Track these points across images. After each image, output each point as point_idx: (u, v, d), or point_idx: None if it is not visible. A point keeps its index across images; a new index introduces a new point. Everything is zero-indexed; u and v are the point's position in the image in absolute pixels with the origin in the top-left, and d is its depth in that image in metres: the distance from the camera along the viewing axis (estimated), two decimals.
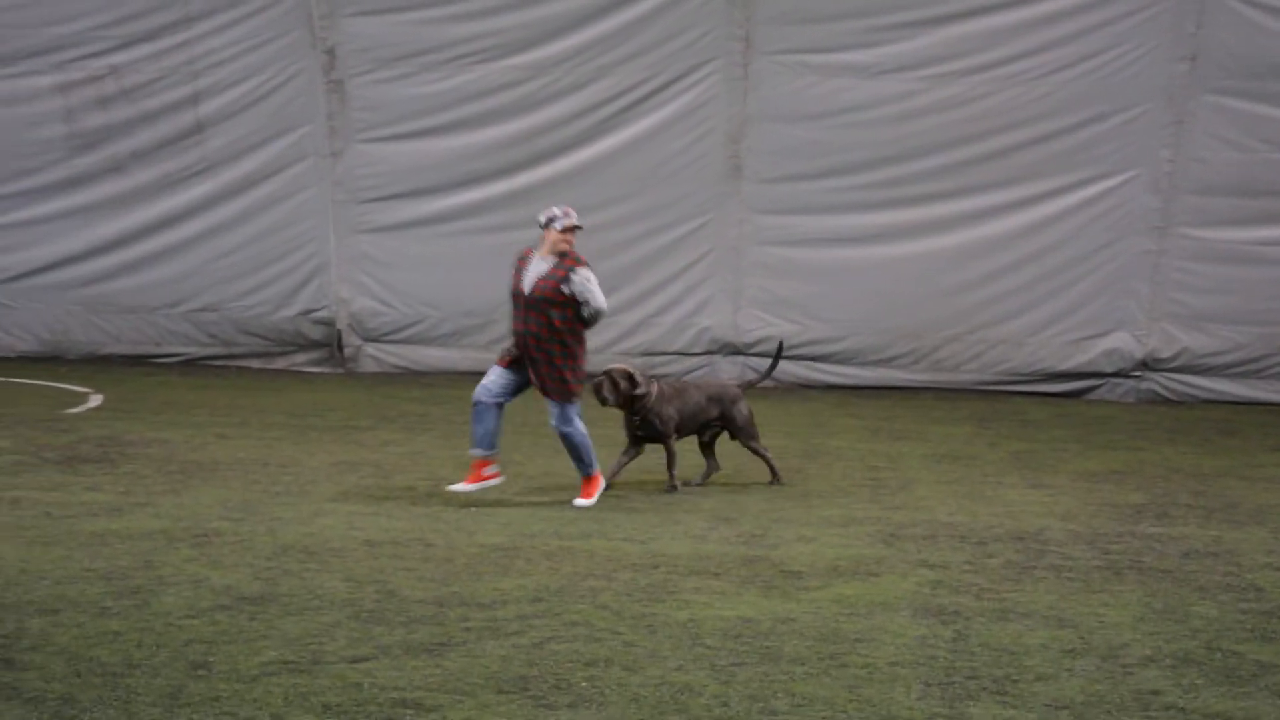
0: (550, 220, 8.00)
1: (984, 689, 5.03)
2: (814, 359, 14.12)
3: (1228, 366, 13.67)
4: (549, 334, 7.92)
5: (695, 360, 14.26)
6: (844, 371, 14.09)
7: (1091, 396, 13.76)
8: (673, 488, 8.59)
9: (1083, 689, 5.05)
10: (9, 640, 5.30)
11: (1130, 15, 13.09)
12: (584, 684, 4.96)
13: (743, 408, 8.89)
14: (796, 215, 13.86)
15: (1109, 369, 13.77)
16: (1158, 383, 13.71)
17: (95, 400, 12.06)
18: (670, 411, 8.59)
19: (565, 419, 8.03)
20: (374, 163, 14.27)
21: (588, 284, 7.90)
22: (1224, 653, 5.50)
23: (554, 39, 13.81)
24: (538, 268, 7.96)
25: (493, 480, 8.24)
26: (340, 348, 14.69)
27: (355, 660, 5.16)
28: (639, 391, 8.45)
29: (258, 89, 14.28)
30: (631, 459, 8.73)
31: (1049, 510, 8.26)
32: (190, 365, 14.67)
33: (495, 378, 8.13)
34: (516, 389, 8.13)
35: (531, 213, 14.14)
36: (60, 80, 14.46)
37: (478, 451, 8.19)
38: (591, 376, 8.41)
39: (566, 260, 7.95)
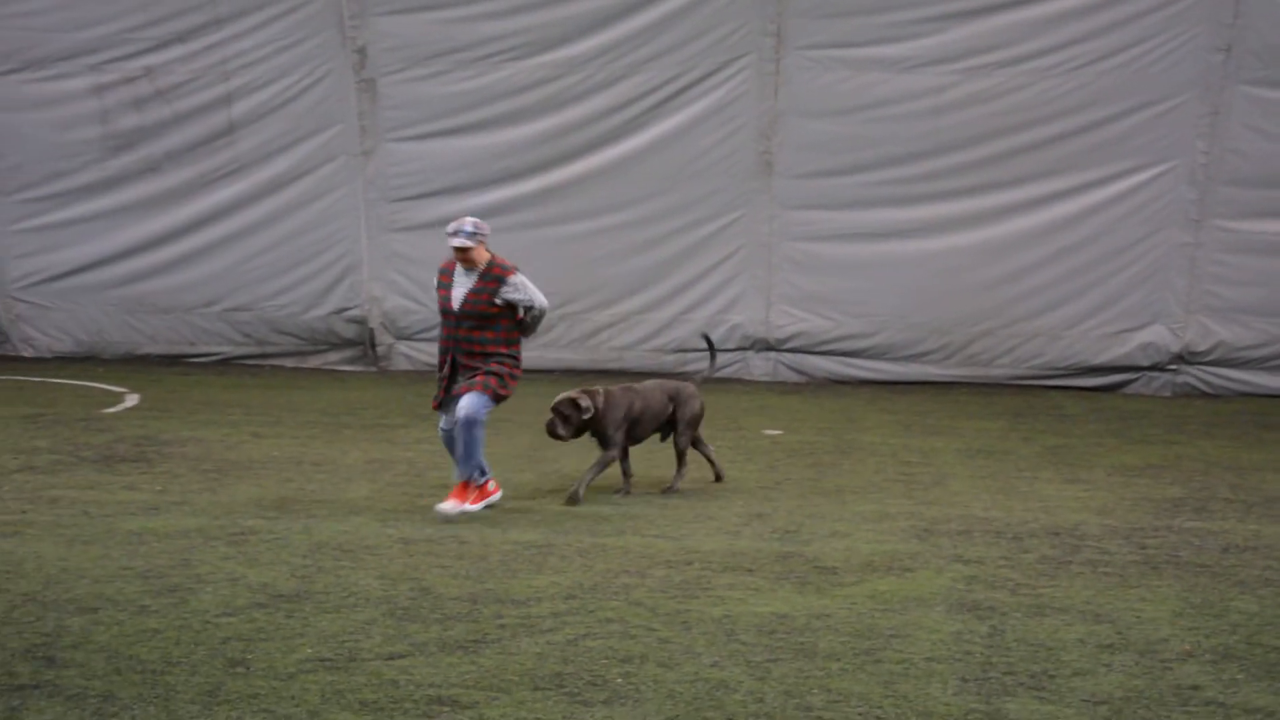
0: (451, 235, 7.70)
1: (1021, 684, 5.00)
2: (846, 354, 14.08)
3: (1265, 359, 13.54)
4: (481, 347, 7.67)
5: (727, 356, 14.24)
6: (876, 367, 14.04)
7: (1127, 390, 13.66)
8: (573, 497, 8.00)
9: (1121, 684, 5.01)
10: (50, 638, 5.35)
11: (1165, 6, 12.98)
12: (619, 680, 4.97)
13: (695, 404, 8.56)
14: (828, 210, 13.82)
15: (1145, 362, 13.67)
16: (1194, 376, 13.60)
17: (132, 400, 12.14)
18: (617, 416, 8.20)
19: (479, 408, 7.58)
20: (405, 161, 14.31)
21: (526, 287, 7.72)
22: (1264, 648, 5.45)
23: (585, 36, 13.81)
24: (463, 282, 7.73)
25: (495, 495, 7.94)
26: (373, 346, 14.75)
27: (391, 657, 5.18)
28: (586, 417, 8.12)
29: (289, 89, 14.35)
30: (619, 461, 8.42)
31: (1085, 505, 8.20)
32: (225, 364, 14.77)
33: (447, 414, 7.80)
34: None
35: (563, 210, 14.38)
36: (95, 82, 14.58)
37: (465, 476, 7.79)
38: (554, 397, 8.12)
39: (494, 270, 7.74)
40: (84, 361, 14.90)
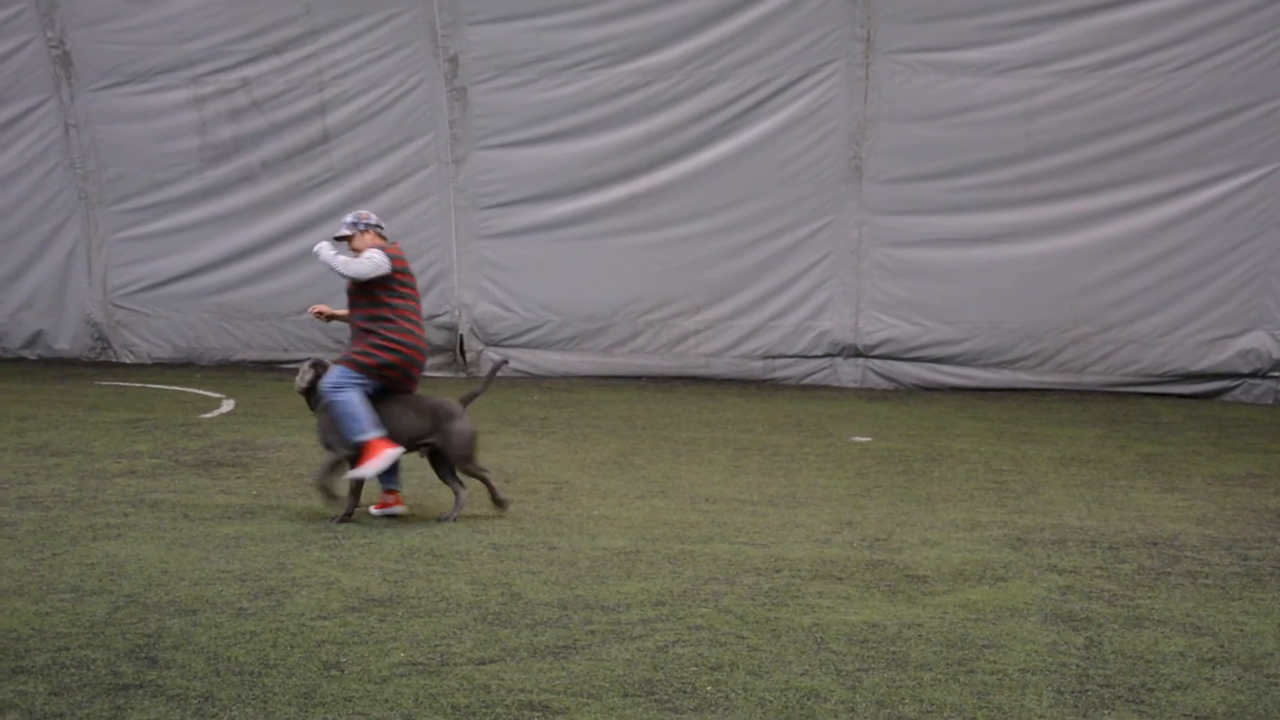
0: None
1: (1119, 697, 4.91)
2: (936, 361, 13.95)
3: None
4: (358, 325, 7.76)
5: (815, 363, 14.18)
6: (966, 373, 13.89)
7: (1226, 398, 13.37)
8: (341, 518, 7.60)
9: (1224, 699, 4.90)
10: (152, 639, 5.47)
11: (1266, 6, 12.68)
12: (709, 688, 4.96)
13: (460, 426, 7.59)
14: (918, 216, 13.70)
15: (1245, 369, 13.36)
16: None
17: (228, 405, 12.38)
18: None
19: (334, 377, 7.61)
20: (495, 169, 14.44)
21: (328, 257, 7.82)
22: None
23: (673, 43, 13.84)
24: None
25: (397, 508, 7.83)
26: (462, 352, 14.89)
27: (482, 662, 5.22)
28: (300, 386, 7.73)
29: (382, 98, 14.55)
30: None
31: (1183, 515, 8.04)
32: None
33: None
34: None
35: (651, 216, 14.41)
36: (194, 94, 14.90)
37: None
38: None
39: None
40: (182, 367, 15.23)
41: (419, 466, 8.30)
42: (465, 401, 7.78)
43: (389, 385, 7.72)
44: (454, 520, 7.65)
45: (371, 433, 7.54)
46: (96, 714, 4.66)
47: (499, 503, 7.71)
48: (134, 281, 15.52)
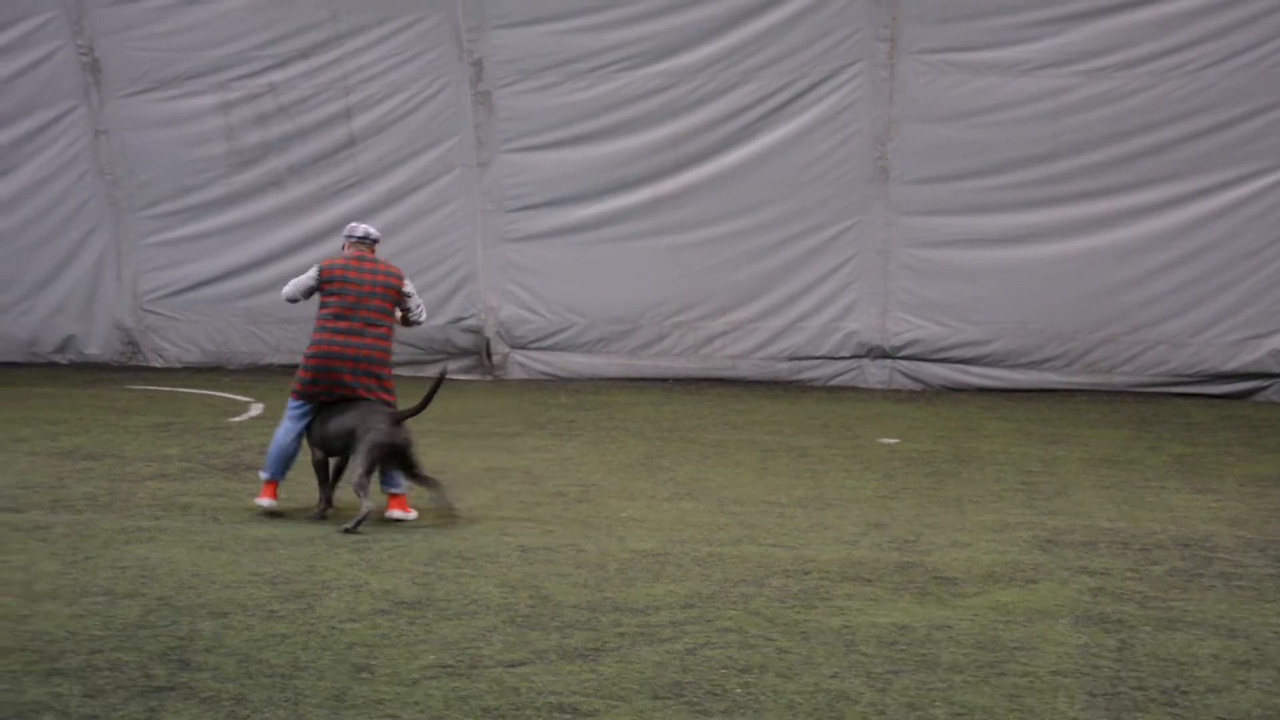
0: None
1: (1152, 700, 4.88)
2: (963, 361, 13.89)
3: None
4: None
5: (842, 365, 14.15)
6: (994, 374, 13.83)
7: (1258, 398, 13.27)
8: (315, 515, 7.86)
9: (1259, 702, 4.87)
10: (184, 642, 5.50)
11: None
12: (739, 690, 4.96)
13: (371, 438, 7.54)
14: (944, 216, 13.66)
15: (1276, 369, 13.26)
16: None
17: (256, 409, 12.43)
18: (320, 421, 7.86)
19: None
20: (520, 172, 14.47)
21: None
22: None
23: (697, 45, 13.84)
24: None
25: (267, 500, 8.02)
26: (488, 355, 14.92)
27: (512, 665, 5.23)
28: None
29: (408, 102, 14.60)
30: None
31: (1216, 516, 7.99)
32: None
33: None
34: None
35: (677, 219, 14.40)
36: (221, 100, 14.98)
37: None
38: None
39: None
40: (210, 371, 15.31)
41: (445, 470, 8.32)
42: (401, 417, 7.68)
43: (332, 398, 7.84)
44: (452, 506, 7.76)
45: (265, 473, 7.98)
46: (131, 716, 4.69)
47: (354, 526, 7.44)
48: (163, 286, 15.61)
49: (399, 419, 7.69)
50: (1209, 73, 12.91)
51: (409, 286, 8.04)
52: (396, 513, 7.82)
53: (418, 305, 8.17)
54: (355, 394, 7.83)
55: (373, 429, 7.59)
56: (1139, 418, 12.10)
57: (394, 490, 7.87)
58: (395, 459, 7.70)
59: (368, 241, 8.12)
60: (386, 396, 7.91)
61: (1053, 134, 13.28)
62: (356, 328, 7.86)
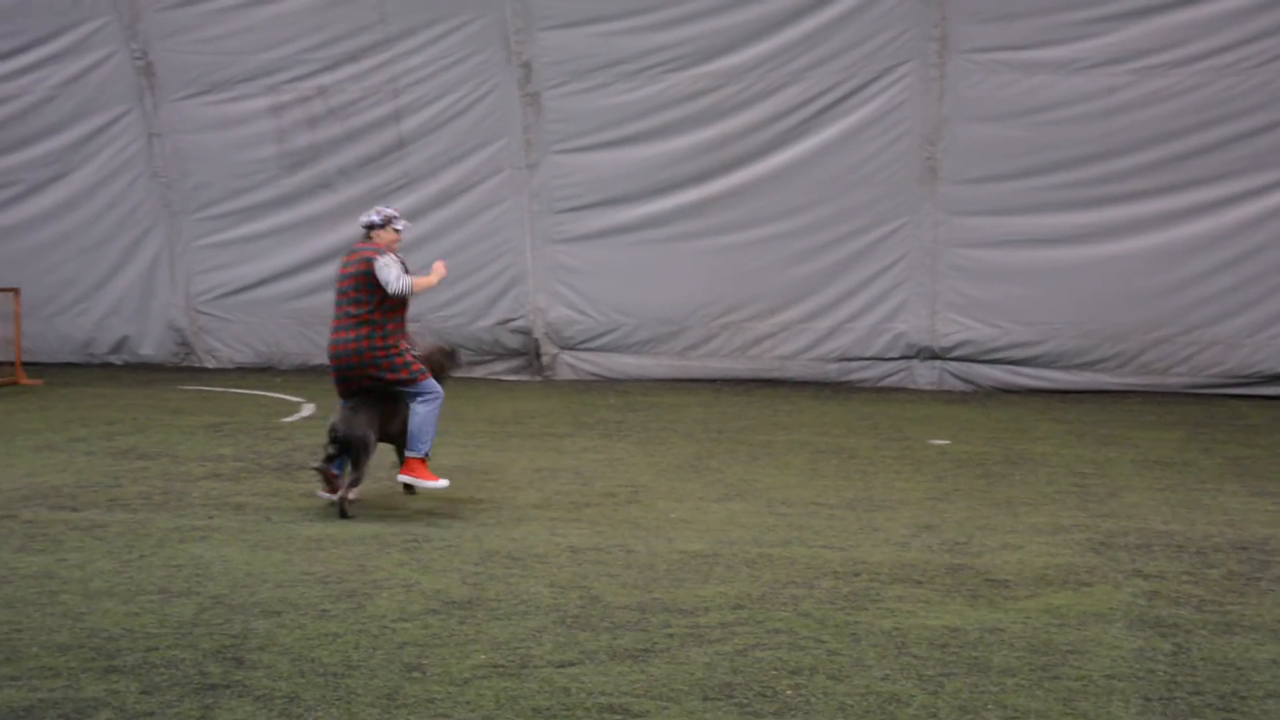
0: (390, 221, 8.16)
1: (1209, 705, 4.82)
2: (1014, 363, 13.79)
3: None
4: None
5: (891, 365, 14.08)
6: (1046, 375, 13.72)
7: None
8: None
9: None
10: (238, 640, 5.55)
11: None
12: (789, 692, 4.94)
13: (347, 431, 7.97)
14: (995, 216, 13.56)
15: None
16: None
17: (307, 409, 12.53)
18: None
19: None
20: (569, 173, 14.50)
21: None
22: None
23: (746, 45, 13.82)
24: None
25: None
26: (538, 356, 14.96)
27: (562, 665, 5.24)
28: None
29: (456, 104, 14.67)
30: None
31: (1274, 519, 7.87)
32: None
33: None
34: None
35: (725, 219, 14.38)
36: (272, 102, 15.12)
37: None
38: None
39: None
40: (262, 372, 15.45)
41: (491, 468, 8.34)
42: (360, 412, 8.03)
43: (356, 388, 8.04)
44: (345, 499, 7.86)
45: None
46: (186, 713, 4.74)
47: (341, 511, 7.85)
48: (215, 287, 15.77)
49: (356, 412, 7.95)
50: (1264, 70, 12.74)
51: (380, 261, 7.88)
52: (403, 477, 8.19)
53: (391, 279, 7.87)
54: (374, 384, 8.01)
55: (338, 413, 7.99)
56: (1193, 419, 11.95)
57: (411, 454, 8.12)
58: (344, 449, 7.90)
59: (368, 228, 8.18)
60: (404, 375, 7.99)
61: (1105, 133, 13.15)
62: (342, 323, 8.02)
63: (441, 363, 8.54)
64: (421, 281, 8.05)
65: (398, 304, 8.01)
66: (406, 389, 8.05)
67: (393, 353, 7.97)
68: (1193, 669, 5.20)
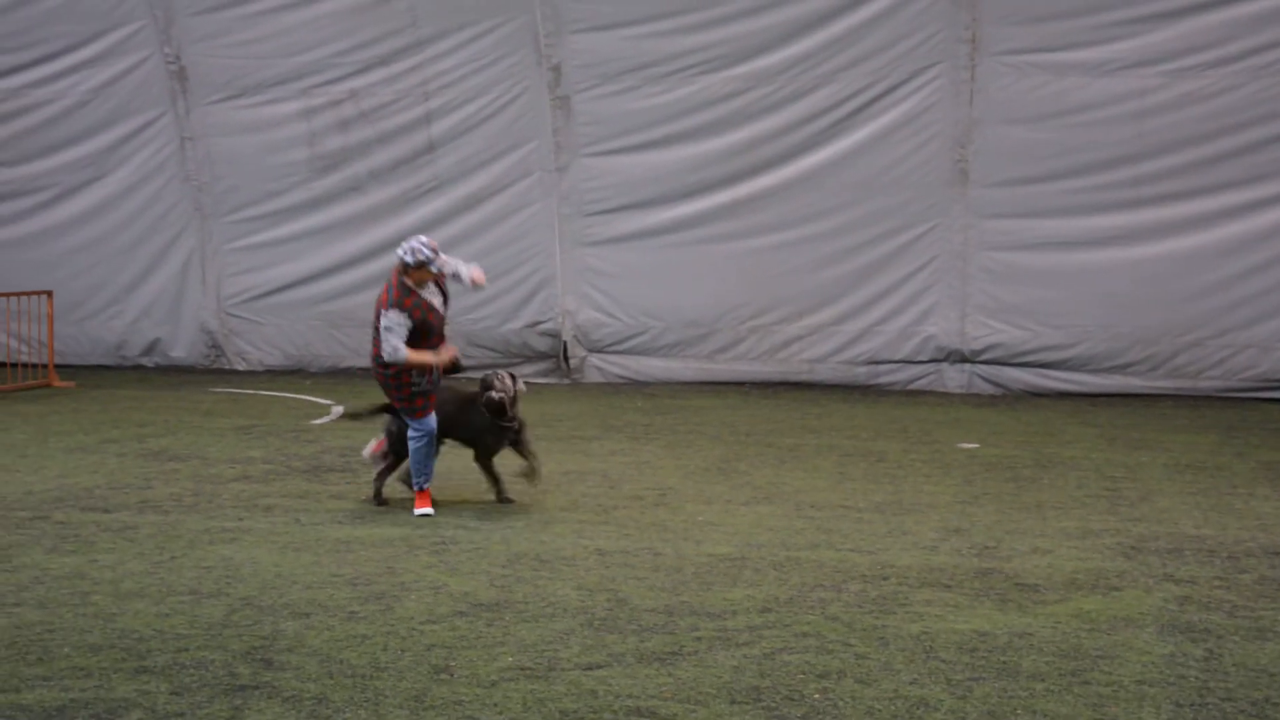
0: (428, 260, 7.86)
1: (1241, 711, 4.78)
2: (1044, 366, 13.72)
3: None
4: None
5: (920, 369, 14.03)
6: (1077, 378, 13.64)
7: None
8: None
9: None
10: (267, 641, 5.58)
11: None
12: (817, 696, 4.93)
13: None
14: (1025, 219, 13.49)
15: None
16: None
17: (337, 411, 12.58)
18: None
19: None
20: (598, 176, 14.51)
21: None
22: None
23: (776, 48, 13.80)
24: (434, 295, 8.11)
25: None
26: (566, 358, 14.98)
27: (589, 667, 5.24)
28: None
29: (487, 107, 14.71)
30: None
31: None
32: None
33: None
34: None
35: (755, 222, 14.35)
36: (304, 106, 15.19)
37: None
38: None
39: (440, 280, 8.22)
40: (292, 375, 15.52)
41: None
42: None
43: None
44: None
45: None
46: (216, 714, 4.77)
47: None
48: (246, 290, 15.85)
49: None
50: None
51: (385, 321, 7.79)
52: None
53: (386, 347, 7.82)
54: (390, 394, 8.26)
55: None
56: (1226, 423, 11.86)
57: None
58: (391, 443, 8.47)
59: (403, 266, 7.97)
60: (404, 405, 8.04)
61: (1137, 135, 13.07)
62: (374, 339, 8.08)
63: (492, 401, 8.28)
64: (415, 357, 7.84)
65: (414, 336, 7.88)
66: (405, 418, 8.09)
67: (403, 379, 7.97)
68: (1225, 675, 5.16)
